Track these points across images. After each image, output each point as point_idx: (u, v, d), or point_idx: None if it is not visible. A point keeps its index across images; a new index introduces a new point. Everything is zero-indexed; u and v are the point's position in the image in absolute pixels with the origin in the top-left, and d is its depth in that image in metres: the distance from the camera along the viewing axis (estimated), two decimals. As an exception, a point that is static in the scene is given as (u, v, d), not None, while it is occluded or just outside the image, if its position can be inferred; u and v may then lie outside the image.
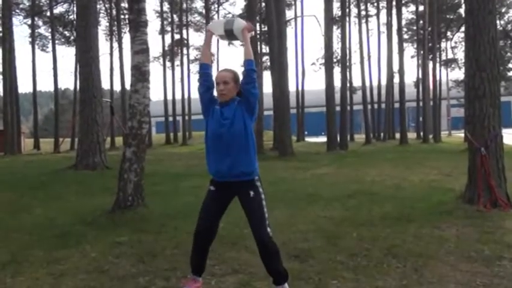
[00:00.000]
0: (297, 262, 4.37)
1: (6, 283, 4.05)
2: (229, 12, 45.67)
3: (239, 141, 3.42)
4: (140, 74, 6.85)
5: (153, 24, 70.63)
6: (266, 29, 26.91)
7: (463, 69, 23.87)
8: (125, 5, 33.01)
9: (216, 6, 41.01)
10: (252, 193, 3.48)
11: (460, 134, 40.61)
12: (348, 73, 31.84)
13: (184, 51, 41.70)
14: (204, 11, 39.88)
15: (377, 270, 4.15)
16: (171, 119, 39.16)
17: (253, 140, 3.51)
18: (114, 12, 36.13)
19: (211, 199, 3.59)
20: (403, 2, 35.12)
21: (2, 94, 30.40)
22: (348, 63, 32.43)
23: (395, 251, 4.67)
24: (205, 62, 3.72)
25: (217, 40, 43.04)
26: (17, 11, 35.10)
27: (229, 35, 3.74)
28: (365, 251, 4.73)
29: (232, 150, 3.41)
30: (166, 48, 39.63)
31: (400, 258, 4.44)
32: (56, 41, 35.66)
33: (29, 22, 35.34)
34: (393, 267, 4.22)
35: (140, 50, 6.87)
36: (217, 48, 41.78)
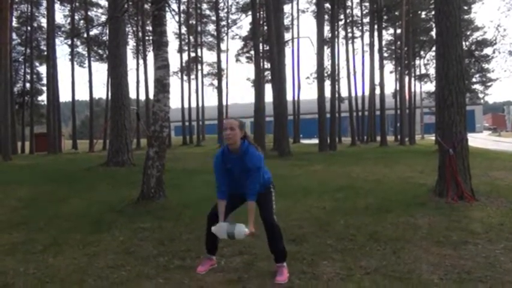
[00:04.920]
0: (293, 245, 4.35)
1: (48, 262, 4.05)
2: (237, 34, 45.58)
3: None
4: (162, 86, 6.82)
5: (173, 44, 70.87)
6: (268, 48, 26.86)
7: (434, 83, 23.79)
8: (149, 28, 33.05)
9: (226, 29, 40.95)
10: (264, 190, 3.52)
11: (432, 138, 40.49)
12: (336, 86, 31.73)
13: (199, 67, 41.69)
14: (215, 33, 39.86)
15: (361, 253, 4.13)
16: (187, 123, 39.12)
17: (259, 172, 3.49)
18: (140, 34, 36.12)
19: (229, 197, 3.60)
20: (383, 26, 34.96)
21: (46, 103, 30.43)
22: (336, 78, 32.31)
23: (377, 236, 4.64)
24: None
25: (227, 56, 43.09)
26: (59, 33, 35.17)
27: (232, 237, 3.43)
28: (351, 236, 4.71)
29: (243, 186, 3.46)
30: (183, 64, 39.56)
31: (380, 243, 4.42)
32: (92, 58, 35.72)
33: (69, 42, 35.43)
34: (375, 250, 4.20)
35: (162, 65, 6.84)
36: (227, 63, 41.67)
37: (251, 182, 3.40)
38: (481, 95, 33.74)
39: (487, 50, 30.07)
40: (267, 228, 3.51)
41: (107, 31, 19.23)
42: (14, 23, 32.80)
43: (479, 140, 35.20)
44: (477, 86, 32.67)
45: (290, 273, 3.52)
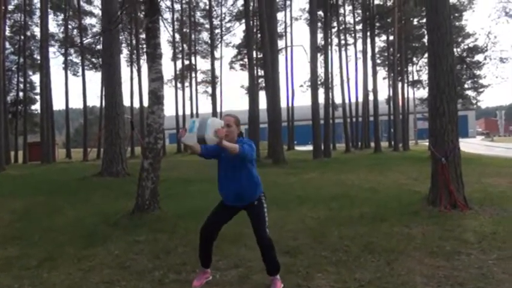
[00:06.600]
0: (288, 257, 4.36)
1: (43, 277, 4.04)
2: (231, 42, 45.64)
3: (243, 176, 3.48)
4: (156, 98, 6.84)
5: (167, 52, 70.80)
6: (261, 56, 27.00)
7: (427, 89, 23.97)
8: (143, 36, 33.02)
9: (220, 37, 41.09)
10: (256, 202, 3.56)
11: (425, 143, 40.63)
12: (330, 93, 31.87)
13: (193, 75, 41.75)
14: (209, 41, 40.00)
15: (355, 264, 4.15)
16: (181, 131, 39.07)
17: (253, 171, 3.54)
18: (134, 42, 36.16)
19: (221, 209, 3.68)
20: (376, 33, 35.28)
21: (39, 112, 30.31)
22: (330, 85, 32.45)
23: (371, 247, 4.66)
24: (199, 152, 3.49)
25: (220, 64, 43.20)
26: (53, 42, 35.09)
27: (202, 141, 3.23)
28: (345, 247, 4.72)
29: (238, 182, 3.47)
30: (177, 72, 39.60)
31: (374, 254, 4.44)
32: (85, 67, 35.66)
33: (63, 52, 35.37)
34: (369, 262, 4.22)
35: (156, 77, 6.86)
36: (221, 70, 41.74)
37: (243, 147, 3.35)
38: (473, 101, 34.02)
39: (479, 57, 30.40)
40: (259, 243, 3.54)
41: (101, 39, 19.23)
42: (7, 32, 32.71)
43: (472, 145, 35.44)
44: (469, 92, 32.97)
45: (285, 287, 3.53)
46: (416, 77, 37.82)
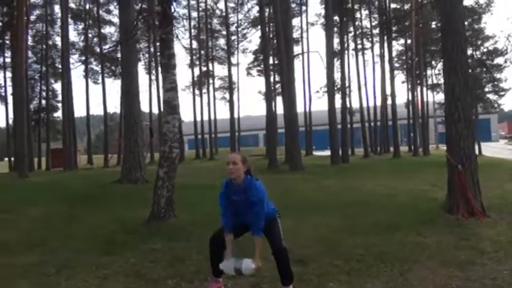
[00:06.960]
0: (300, 266, 4.37)
1: (61, 285, 4.15)
2: (247, 48, 45.82)
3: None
4: (170, 107, 6.97)
5: (184, 59, 71.33)
6: (277, 62, 27.06)
7: (446, 93, 23.58)
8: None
9: (236, 43, 41.36)
10: (271, 217, 3.60)
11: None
12: (347, 98, 31.72)
13: (210, 81, 42.15)
14: (226, 47, 40.29)
15: (368, 274, 4.14)
16: (200, 136, 39.39)
17: (263, 205, 3.54)
18: (152, 49, 36.69)
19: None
20: (393, 36, 35.00)
21: (61, 119, 31.03)
22: (347, 91, 32.27)
23: (384, 257, 4.63)
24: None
25: (237, 70, 43.44)
26: (73, 50, 35.88)
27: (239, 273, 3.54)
28: (358, 256, 4.71)
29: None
30: (195, 78, 40.02)
31: (387, 263, 4.41)
32: (105, 75, 36.35)
33: (83, 59, 36.13)
34: (382, 271, 4.21)
35: (170, 88, 6.99)
36: (238, 76, 42.07)
37: (256, 217, 3.48)
38: (494, 104, 33.37)
39: (499, 60, 29.84)
40: (274, 254, 3.56)
41: (120, 48, 19.62)
42: (30, 42, 33.59)
43: (495, 149, 34.69)
44: (490, 96, 32.38)
45: (296, 297, 3.56)
46: (435, 81, 37.37)
